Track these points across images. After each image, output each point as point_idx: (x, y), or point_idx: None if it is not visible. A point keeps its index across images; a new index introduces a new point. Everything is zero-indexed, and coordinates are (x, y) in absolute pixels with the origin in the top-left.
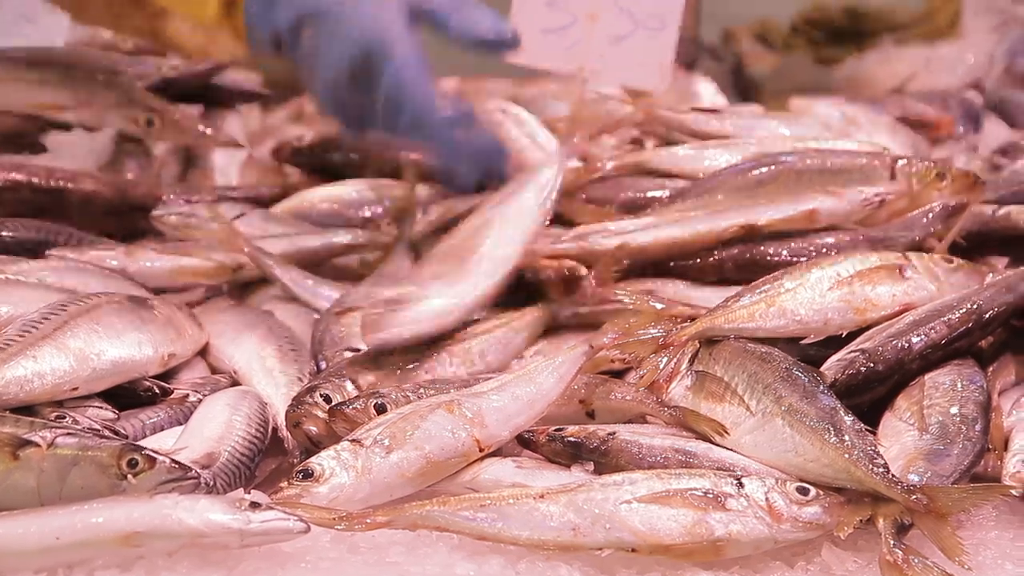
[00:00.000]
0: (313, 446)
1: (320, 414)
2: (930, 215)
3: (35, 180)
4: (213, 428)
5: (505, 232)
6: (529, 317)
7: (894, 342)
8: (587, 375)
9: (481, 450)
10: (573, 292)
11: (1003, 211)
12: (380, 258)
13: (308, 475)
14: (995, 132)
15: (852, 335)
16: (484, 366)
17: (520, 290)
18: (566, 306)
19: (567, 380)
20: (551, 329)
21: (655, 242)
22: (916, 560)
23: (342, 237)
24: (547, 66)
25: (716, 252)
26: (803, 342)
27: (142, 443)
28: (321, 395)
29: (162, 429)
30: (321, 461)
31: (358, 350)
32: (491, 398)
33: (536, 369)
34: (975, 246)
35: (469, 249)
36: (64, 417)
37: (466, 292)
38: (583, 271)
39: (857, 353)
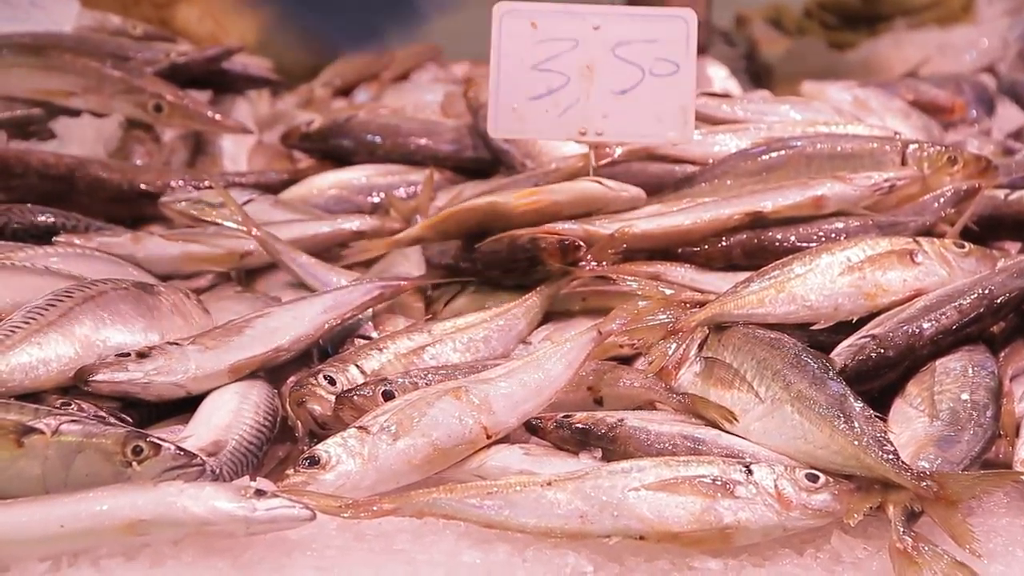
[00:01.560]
0: (317, 426)
1: (323, 394)
2: (941, 200)
3: (43, 166)
4: (221, 416)
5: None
6: (529, 302)
7: (905, 328)
8: (595, 361)
9: (488, 437)
10: (571, 264)
11: (1016, 195)
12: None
13: (314, 462)
14: (1008, 116)
15: (862, 321)
16: (488, 352)
17: (515, 269)
18: (563, 286)
19: (575, 366)
20: (559, 315)
21: (659, 230)
22: (926, 547)
23: (351, 223)
24: (542, 135)
25: (724, 238)
26: (813, 328)
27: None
28: (325, 377)
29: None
30: (327, 448)
31: (367, 338)
32: (499, 385)
33: (544, 355)
34: (987, 231)
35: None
36: (69, 404)
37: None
38: (581, 243)
39: (867, 339)
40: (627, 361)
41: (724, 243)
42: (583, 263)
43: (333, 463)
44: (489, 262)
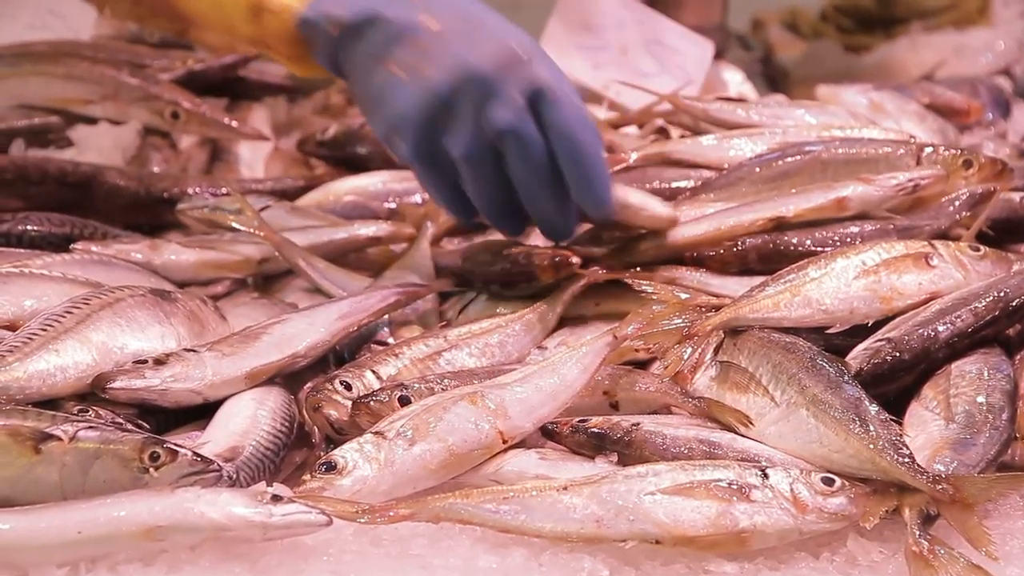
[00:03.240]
0: (333, 432)
1: (340, 399)
2: (957, 203)
3: (61, 174)
4: (238, 422)
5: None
6: (544, 307)
7: (920, 331)
8: (611, 366)
9: (504, 442)
10: (565, 279)
11: None
12: (405, 250)
13: (331, 468)
14: None
15: (878, 324)
16: (504, 357)
17: (514, 283)
18: (578, 291)
19: (591, 371)
20: (573, 319)
21: (681, 239)
22: (942, 550)
23: (367, 229)
24: (572, 75)
25: (739, 242)
26: (828, 331)
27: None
28: (341, 382)
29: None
30: (344, 454)
31: (383, 344)
32: (514, 389)
33: (560, 360)
34: (1003, 234)
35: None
36: (87, 411)
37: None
38: (574, 260)
39: (883, 342)
40: (643, 365)
41: (739, 247)
42: (597, 268)
43: (350, 468)
44: (488, 277)
